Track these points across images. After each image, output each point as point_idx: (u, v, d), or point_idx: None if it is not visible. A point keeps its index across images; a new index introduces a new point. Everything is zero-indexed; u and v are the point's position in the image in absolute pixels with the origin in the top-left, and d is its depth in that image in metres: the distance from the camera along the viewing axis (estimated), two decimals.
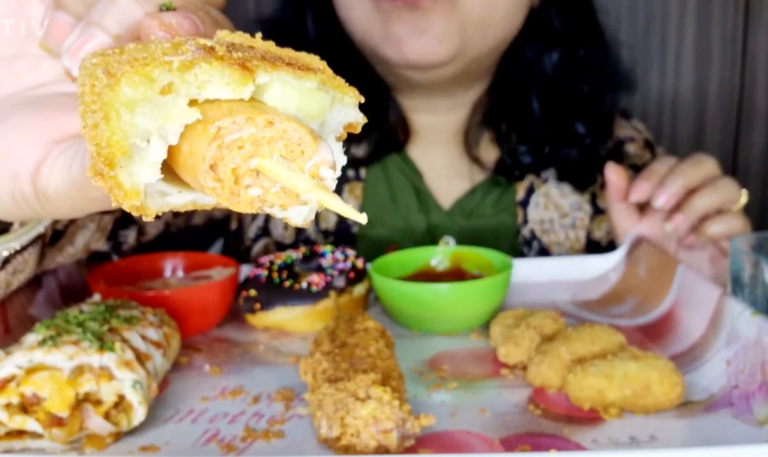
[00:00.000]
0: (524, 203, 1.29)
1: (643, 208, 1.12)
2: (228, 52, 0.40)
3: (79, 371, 0.66)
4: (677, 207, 1.03)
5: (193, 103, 0.40)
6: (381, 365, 0.70)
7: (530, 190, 1.30)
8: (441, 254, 1.04)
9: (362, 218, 0.39)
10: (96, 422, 0.66)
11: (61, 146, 0.53)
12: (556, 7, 1.24)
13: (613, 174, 1.11)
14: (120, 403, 0.67)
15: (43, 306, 0.94)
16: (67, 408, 0.64)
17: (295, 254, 1.02)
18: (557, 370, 0.75)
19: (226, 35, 0.46)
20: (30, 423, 0.64)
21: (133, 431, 0.69)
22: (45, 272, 0.95)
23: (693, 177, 1.02)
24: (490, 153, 1.31)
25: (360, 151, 1.31)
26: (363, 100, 0.45)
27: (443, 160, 1.32)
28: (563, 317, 0.88)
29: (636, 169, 1.27)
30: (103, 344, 0.68)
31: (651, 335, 0.89)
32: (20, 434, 0.65)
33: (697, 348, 0.81)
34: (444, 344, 0.89)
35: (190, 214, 1.25)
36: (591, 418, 0.70)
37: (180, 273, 1.02)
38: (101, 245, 1.02)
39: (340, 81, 0.44)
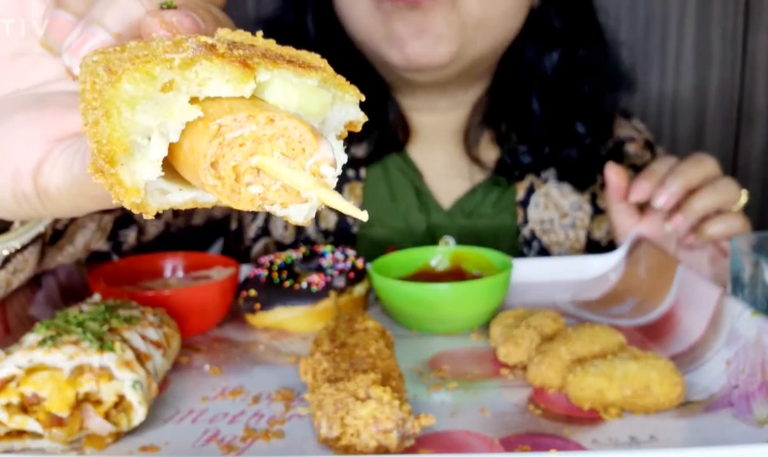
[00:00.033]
0: (524, 203, 1.29)
1: (643, 208, 1.12)
2: (229, 49, 0.40)
3: (79, 371, 0.66)
4: (677, 207, 1.03)
5: (194, 100, 0.40)
6: (381, 365, 0.70)
7: (530, 190, 1.30)
8: (441, 254, 1.04)
9: (363, 216, 0.39)
10: (96, 422, 0.66)
11: (62, 145, 0.53)
12: (556, 7, 1.24)
13: (613, 174, 1.11)
14: (120, 403, 0.67)
15: (43, 306, 0.94)
16: (67, 408, 0.64)
17: (295, 254, 1.02)
18: (557, 370, 0.75)
19: (227, 33, 0.46)
20: (30, 423, 0.64)
21: (133, 431, 0.69)
22: (45, 271, 0.95)
23: (693, 177, 1.02)
24: (490, 153, 1.31)
25: (360, 151, 1.31)
26: (364, 99, 0.45)
27: (443, 160, 1.32)
28: (563, 317, 0.88)
29: (636, 169, 1.27)
30: (103, 344, 0.68)
31: (651, 335, 0.89)
32: (20, 434, 0.65)
33: (697, 348, 0.81)
34: (444, 344, 0.89)
35: (190, 213, 1.24)
36: (591, 418, 0.70)
37: (180, 273, 1.02)
38: (101, 244, 1.02)
39: (340, 79, 0.44)
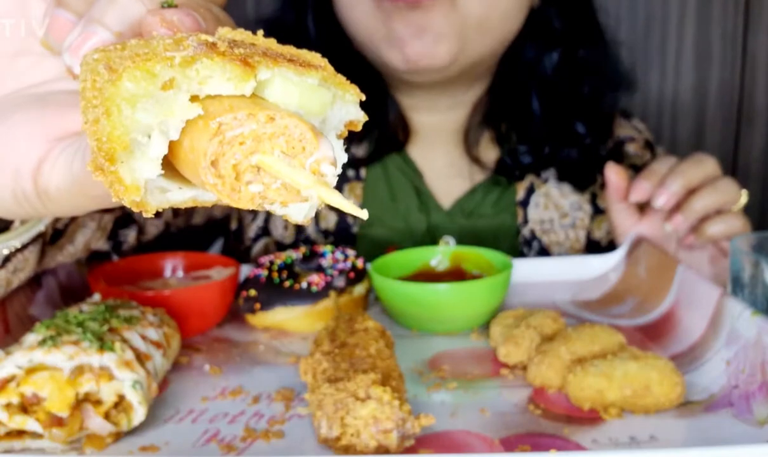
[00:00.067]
0: (524, 203, 1.29)
1: (643, 208, 1.12)
2: (230, 48, 0.40)
3: (79, 371, 0.66)
4: (677, 207, 1.03)
5: (194, 98, 0.40)
6: (381, 365, 0.70)
7: (530, 190, 1.30)
8: (441, 254, 1.04)
9: (363, 214, 0.39)
10: (96, 422, 0.66)
11: (62, 144, 0.53)
12: (556, 7, 1.24)
13: (613, 174, 1.11)
14: (120, 403, 0.67)
15: (43, 306, 0.93)
16: (67, 408, 0.64)
17: (295, 254, 1.02)
18: (557, 370, 0.75)
19: (227, 32, 0.46)
20: (30, 423, 0.64)
21: (133, 431, 0.68)
22: (45, 271, 0.95)
23: (693, 177, 1.02)
24: (490, 153, 1.31)
25: (360, 150, 1.31)
26: (364, 98, 0.45)
27: (443, 159, 1.32)
28: (563, 317, 0.88)
29: (636, 169, 1.27)
30: (103, 344, 0.67)
31: (651, 335, 0.89)
32: (20, 434, 0.65)
33: (697, 348, 0.81)
34: (444, 344, 0.89)
35: (190, 213, 1.24)
36: (591, 418, 0.70)
37: (180, 273, 1.02)
38: (101, 244, 1.02)
39: (341, 78, 0.44)
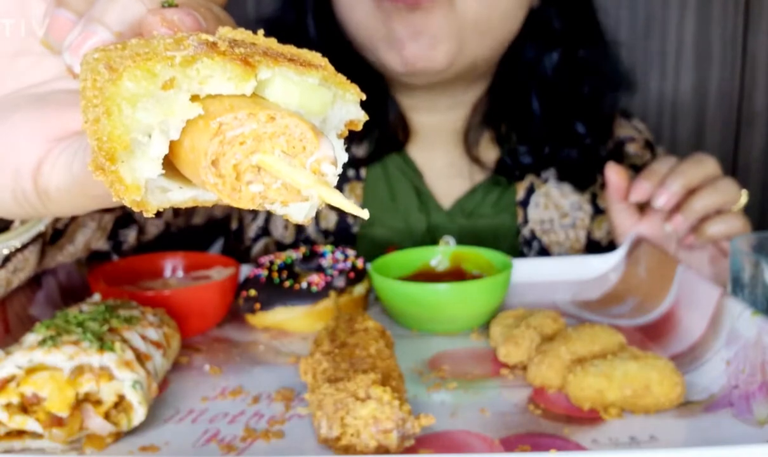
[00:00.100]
0: (524, 203, 1.29)
1: (643, 208, 1.12)
2: (230, 47, 0.40)
3: (79, 371, 0.66)
4: (677, 207, 1.03)
5: (194, 98, 0.40)
6: (381, 365, 0.70)
7: (530, 190, 1.30)
8: (441, 254, 1.04)
9: (364, 214, 0.39)
10: (96, 422, 0.66)
11: (62, 144, 0.53)
12: (556, 7, 1.24)
13: (614, 174, 1.11)
14: (120, 403, 0.67)
15: (43, 306, 0.93)
16: (67, 408, 0.64)
17: (295, 254, 1.02)
18: (557, 370, 0.75)
19: (228, 32, 0.46)
20: (30, 423, 0.64)
21: (133, 431, 0.68)
22: (45, 271, 0.95)
23: (693, 177, 1.02)
24: (490, 153, 1.31)
25: (360, 150, 1.31)
26: (364, 98, 0.45)
27: (443, 159, 1.32)
28: (563, 317, 0.88)
29: (636, 169, 1.27)
30: (103, 344, 0.67)
31: (651, 335, 0.89)
32: (20, 434, 0.65)
33: (697, 348, 0.81)
34: (444, 344, 0.89)
35: (190, 213, 1.24)
36: (591, 418, 0.70)
37: (180, 273, 1.02)
38: (101, 244, 1.02)
39: (341, 78, 0.44)
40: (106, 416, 0.66)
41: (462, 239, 1.21)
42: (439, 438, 0.67)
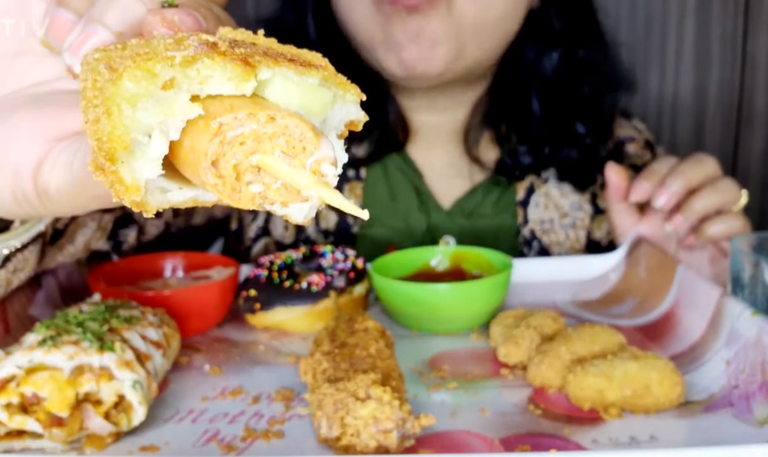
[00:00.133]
0: (524, 203, 1.29)
1: (643, 208, 1.12)
2: (230, 47, 0.40)
3: (79, 371, 0.66)
4: (677, 207, 1.03)
5: (195, 98, 0.40)
6: (381, 365, 0.70)
7: (530, 190, 1.30)
8: (441, 254, 1.04)
9: (364, 214, 0.39)
10: (96, 422, 0.66)
11: (62, 144, 0.53)
12: (555, 7, 1.24)
13: (614, 174, 1.11)
14: (120, 403, 0.67)
15: (43, 306, 0.93)
16: (67, 408, 0.64)
17: (295, 254, 1.02)
18: (557, 370, 0.75)
19: (228, 32, 0.46)
20: (30, 423, 0.64)
21: (133, 431, 0.68)
22: (45, 271, 0.95)
23: (693, 177, 1.02)
24: (490, 153, 1.31)
25: (360, 150, 1.31)
26: (365, 98, 0.45)
27: (443, 159, 1.32)
28: (563, 317, 0.88)
29: (636, 169, 1.27)
30: (103, 344, 0.67)
31: (651, 335, 0.89)
32: (20, 434, 0.65)
33: (697, 348, 0.81)
34: (444, 344, 0.89)
35: (190, 213, 1.25)
36: (591, 418, 0.70)
37: (180, 273, 1.02)
38: (101, 244, 1.02)
39: (341, 78, 0.44)
40: (106, 416, 0.66)
41: (462, 239, 1.21)
42: (439, 438, 0.67)
